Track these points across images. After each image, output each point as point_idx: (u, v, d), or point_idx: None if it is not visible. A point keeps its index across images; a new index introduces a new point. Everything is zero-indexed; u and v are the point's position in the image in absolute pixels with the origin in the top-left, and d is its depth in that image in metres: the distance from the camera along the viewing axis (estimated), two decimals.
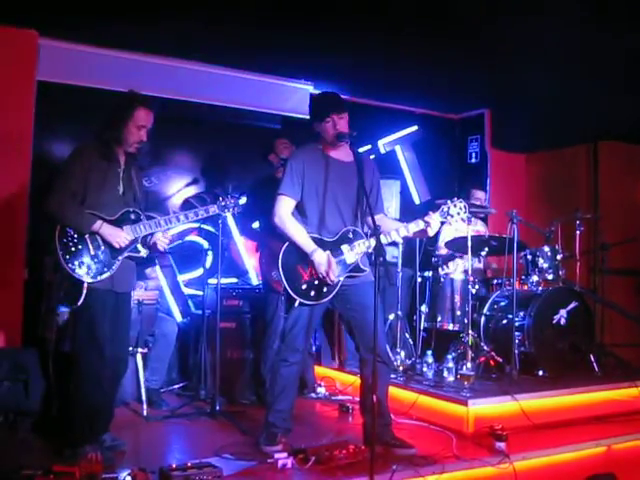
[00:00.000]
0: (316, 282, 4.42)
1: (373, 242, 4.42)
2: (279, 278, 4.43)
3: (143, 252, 4.46)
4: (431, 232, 4.54)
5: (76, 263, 4.20)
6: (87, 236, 4.25)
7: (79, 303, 4.19)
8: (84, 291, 4.20)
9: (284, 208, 4.50)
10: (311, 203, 4.51)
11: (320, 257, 4.37)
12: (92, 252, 4.25)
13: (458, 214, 4.54)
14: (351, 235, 4.51)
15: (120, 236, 4.29)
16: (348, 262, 4.46)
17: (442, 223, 4.60)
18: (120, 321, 4.44)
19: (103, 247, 4.28)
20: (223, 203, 4.89)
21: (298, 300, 4.40)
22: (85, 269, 4.22)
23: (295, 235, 4.44)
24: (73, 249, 4.22)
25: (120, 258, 4.32)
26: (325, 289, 4.44)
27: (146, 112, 4.40)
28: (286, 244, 4.48)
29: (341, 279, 4.45)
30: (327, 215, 4.50)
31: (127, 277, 4.47)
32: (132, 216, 4.41)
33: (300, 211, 4.55)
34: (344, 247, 4.46)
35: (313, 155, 4.58)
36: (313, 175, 4.51)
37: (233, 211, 4.99)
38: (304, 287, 4.41)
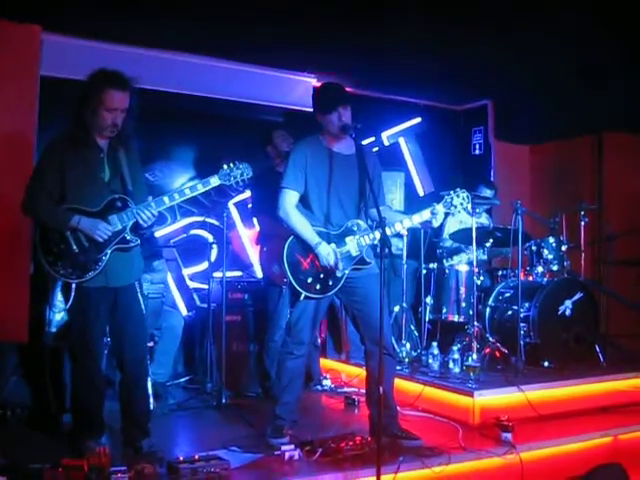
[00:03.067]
0: (321, 275, 4.42)
1: (378, 234, 4.41)
2: (284, 272, 4.41)
3: (133, 242, 4.19)
4: (436, 223, 4.54)
5: (59, 264, 4.04)
6: (69, 234, 4.04)
7: (69, 304, 4.10)
8: (72, 292, 4.08)
9: (288, 201, 4.48)
10: (314, 196, 4.50)
11: (324, 250, 4.37)
12: (76, 250, 4.05)
13: (461, 204, 4.56)
14: (355, 228, 4.51)
15: (100, 228, 4.04)
16: (353, 255, 4.46)
17: (446, 214, 4.61)
18: (129, 317, 4.28)
19: (87, 244, 4.06)
20: (227, 170, 4.35)
21: (303, 294, 4.39)
22: (70, 269, 4.05)
23: (300, 228, 4.42)
24: (55, 250, 4.04)
25: (108, 252, 4.10)
26: (330, 282, 4.44)
27: (116, 93, 4.03)
28: (290, 237, 4.46)
29: (346, 272, 4.45)
30: (331, 208, 4.50)
31: (124, 270, 4.24)
32: (118, 203, 4.14)
33: (304, 204, 4.54)
34: (348, 240, 4.46)
35: (316, 147, 4.56)
36: (316, 168, 4.50)
37: (239, 180, 4.40)
38: (309, 280, 4.40)
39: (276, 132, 6.26)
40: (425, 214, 4.52)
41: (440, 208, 4.51)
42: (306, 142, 4.61)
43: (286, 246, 4.45)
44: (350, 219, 4.52)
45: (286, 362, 4.52)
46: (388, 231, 4.43)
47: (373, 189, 4.46)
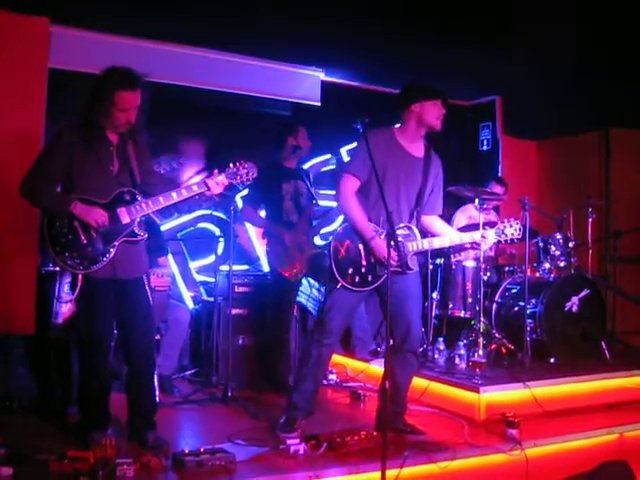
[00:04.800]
0: (363, 269, 4.38)
1: (427, 243, 4.47)
2: (328, 257, 4.37)
3: (140, 235, 4.20)
4: (484, 246, 4.68)
5: (67, 254, 4.04)
6: (77, 224, 4.04)
7: (75, 294, 4.10)
8: (78, 283, 4.09)
9: (349, 187, 4.39)
10: (374, 189, 4.31)
11: (379, 245, 4.28)
12: (84, 241, 4.06)
13: (512, 234, 4.61)
14: (407, 231, 4.44)
15: (93, 213, 4.02)
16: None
17: (498, 242, 4.69)
18: (136, 309, 4.28)
19: (95, 235, 4.06)
20: (234, 169, 4.30)
21: (341, 283, 4.35)
22: (77, 260, 4.04)
23: (357, 219, 4.36)
24: (63, 240, 4.04)
25: (116, 244, 4.10)
26: (370, 278, 4.39)
27: (128, 94, 4.04)
28: (343, 224, 4.44)
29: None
30: (388, 206, 4.25)
31: (132, 262, 4.25)
32: (127, 197, 4.15)
33: (362, 194, 4.44)
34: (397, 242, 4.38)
35: (389, 141, 4.44)
36: (385, 161, 4.36)
37: (245, 179, 4.34)
38: (349, 271, 4.36)
39: (302, 127, 6.23)
40: (477, 236, 4.56)
41: (492, 234, 4.58)
42: (381, 133, 4.47)
43: (336, 233, 4.43)
44: (403, 221, 4.44)
45: (311, 350, 4.47)
46: (437, 243, 4.52)
47: (431, 196, 4.52)
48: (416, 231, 4.48)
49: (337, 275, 4.35)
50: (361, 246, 4.39)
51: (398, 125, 4.57)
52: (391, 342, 4.52)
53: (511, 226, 4.62)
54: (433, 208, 4.63)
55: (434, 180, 4.55)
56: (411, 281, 4.49)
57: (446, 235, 4.57)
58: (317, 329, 4.51)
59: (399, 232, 4.34)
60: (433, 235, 4.62)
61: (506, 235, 4.61)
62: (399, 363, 4.46)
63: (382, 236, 4.30)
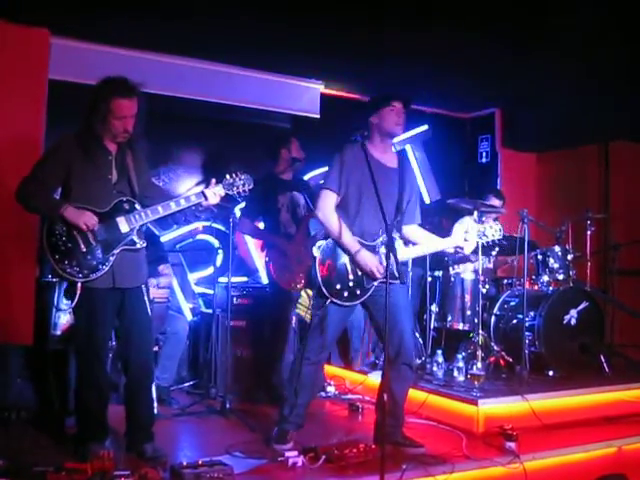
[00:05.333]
0: (350, 284, 4.39)
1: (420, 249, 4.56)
2: (314, 274, 4.38)
3: (139, 244, 4.22)
4: (467, 251, 4.67)
5: (66, 262, 4.04)
6: (76, 232, 4.05)
7: (74, 303, 4.08)
8: (78, 291, 4.06)
9: (328, 203, 4.44)
10: (353, 202, 4.44)
11: (365, 256, 4.34)
12: (83, 249, 4.07)
13: (493, 235, 4.61)
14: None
15: (84, 217, 4.03)
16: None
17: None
18: (134, 320, 4.29)
19: (95, 243, 4.08)
20: (230, 180, 4.35)
21: (330, 299, 4.37)
22: (77, 268, 4.04)
23: (339, 234, 4.38)
24: (62, 248, 4.05)
25: (115, 252, 4.12)
26: (358, 291, 4.41)
27: (124, 101, 4.09)
28: (326, 241, 4.45)
29: (375, 284, 4.42)
30: (368, 218, 4.45)
31: (132, 271, 4.25)
32: (126, 206, 4.19)
33: (342, 209, 4.48)
34: (382, 252, 4.40)
35: (362, 154, 4.46)
36: (359, 174, 4.42)
37: (241, 190, 4.39)
38: (338, 287, 4.37)
39: (294, 138, 6.28)
40: (457, 241, 4.59)
41: (472, 237, 4.58)
42: (354, 147, 4.50)
43: (321, 249, 4.43)
44: (384, 232, 4.43)
45: (302, 367, 4.48)
46: (420, 251, 4.59)
47: (409, 205, 4.55)
48: (399, 241, 4.53)
49: (325, 291, 4.36)
50: (347, 260, 4.41)
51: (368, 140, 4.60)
52: (385, 356, 4.53)
53: (491, 227, 4.61)
54: (412, 217, 4.67)
55: (411, 189, 4.57)
56: (400, 293, 4.51)
57: (427, 243, 4.60)
58: (307, 346, 4.52)
59: (381, 242, 4.42)
60: (415, 244, 4.66)
61: (487, 237, 4.61)
62: (395, 376, 4.45)
63: (381, 248, 4.33)
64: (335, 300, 4.37)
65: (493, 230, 4.61)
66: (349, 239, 4.38)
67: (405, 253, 4.55)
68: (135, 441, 4.27)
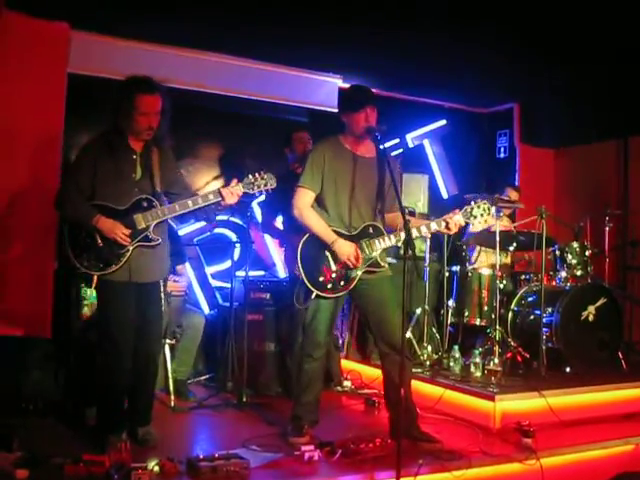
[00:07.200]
0: (333, 275, 4.42)
1: (394, 238, 4.44)
2: (297, 270, 4.41)
3: (155, 240, 4.28)
4: (454, 229, 4.48)
5: (84, 256, 4.16)
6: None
7: (93, 297, 4.19)
8: (93, 284, 4.21)
9: (303, 200, 4.49)
10: (331, 197, 4.49)
11: (342, 246, 4.37)
12: (100, 244, 4.17)
13: (482, 215, 4.44)
14: (371, 230, 4.49)
15: (116, 232, 4.14)
16: (367, 257, 4.44)
17: (467, 224, 4.59)
18: (147, 314, 4.39)
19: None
20: (252, 179, 4.39)
21: (315, 292, 4.39)
22: (93, 262, 4.16)
23: (315, 226, 4.43)
24: (82, 243, 4.18)
25: (130, 248, 4.20)
26: (342, 282, 4.44)
27: (148, 97, 4.18)
28: (306, 236, 4.47)
29: (359, 274, 4.44)
30: (347, 210, 4.48)
31: (148, 266, 4.35)
32: (144, 203, 4.27)
33: (320, 204, 4.53)
34: (364, 242, 4.44)
35: (335, 148, 4.54)
36: (334, 168, 4.48)
37: (263, 189, 4.42)
38: (321, 279, 4.41)
39: (295, 134, 6.27)
40: (442, 223, 4.45)
41: (459, 218, 4.44)
42: (326, 142, 4.58)
43: (301, 244, 4.46)
44: (366, 222, 4.50)
45: (304, 365, 4.56)
46: (398, 237, 4.45)
47: (388, 193, 4.53)
48: (381, 228, 4.53)
49: (310, 285, 4.38)
50: (327, 252, 4.43)
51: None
52: (379, 350, 4.60)
53: (479, 207, 4.42)
54: (392, 204, 4.62)
55: (390, 176, 4.47)
56: (384, 284, 4.53)
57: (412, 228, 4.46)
58: (306, 344, 4.58)
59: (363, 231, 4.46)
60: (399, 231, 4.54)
61: (475, 217, 4.42)
62: (393, 368, 4.43)
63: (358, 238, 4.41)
64: (319, 293, 4.40)
65: (481, 210, 4.42)
66: (324, 231, 4.41)
67: (390, 239, 4.45)
68: (131, 423, 4.39)
